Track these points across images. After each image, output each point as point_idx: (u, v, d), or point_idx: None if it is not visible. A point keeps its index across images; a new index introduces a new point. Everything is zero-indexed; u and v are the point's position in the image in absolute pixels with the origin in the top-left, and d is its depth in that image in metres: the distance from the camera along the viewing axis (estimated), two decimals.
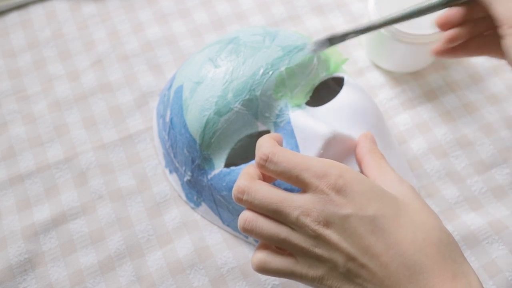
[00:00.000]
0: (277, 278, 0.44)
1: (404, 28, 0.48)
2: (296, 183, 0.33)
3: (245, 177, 0.34)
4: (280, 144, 0.37)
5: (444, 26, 0.40)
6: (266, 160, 0.33)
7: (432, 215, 0.33)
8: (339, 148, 0.40)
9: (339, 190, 0.31)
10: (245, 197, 0.33)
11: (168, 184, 0.48)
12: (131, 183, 0.48)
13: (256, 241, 0.45)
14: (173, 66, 0.55)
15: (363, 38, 0.55)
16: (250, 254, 0.45)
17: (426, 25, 0.52)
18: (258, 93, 0.41)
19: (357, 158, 0.39)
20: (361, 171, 0.38)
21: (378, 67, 0.55)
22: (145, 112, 0.52)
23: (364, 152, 0.38)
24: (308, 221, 0.31)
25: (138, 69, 0.55)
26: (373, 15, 0.49)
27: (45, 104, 0.53)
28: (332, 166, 0.32)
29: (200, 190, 0.45)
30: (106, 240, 0.46)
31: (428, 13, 0.40)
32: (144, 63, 0.55)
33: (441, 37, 0.45)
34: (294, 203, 0.32)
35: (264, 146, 0.34)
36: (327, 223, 0.31)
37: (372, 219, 0.31)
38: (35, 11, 0.58)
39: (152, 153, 0.50)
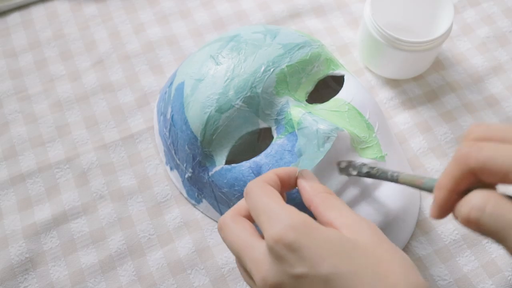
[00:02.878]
0: None
1: (403, 36, 0.47)
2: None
3: (231, 212, 0.33)
4: (278, 185, 0.34)
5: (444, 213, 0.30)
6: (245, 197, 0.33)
7: (398, 263, 0.29)
8: (339, 146, 0.40)
9: (290, 246, 0.28)
10: (220, 233, 0.33)
11: (169, 184, 0.48)
12: (132, 182, 0.49)
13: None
14: (174, 66, 0.55)
15: (361, 47, 0.54)
16: None
17: (423, 32, 0.52)
18: (259, 91, 0.41)
19: (306, 205, 0.34)
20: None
21: None
22: (146, 112, 0.52)
23: (309, 197, 0.33)
24: (258, 278, 0.29)
25: (139, 69, 0.55)
26: (368, 21, 0.49)
27: (47, 104, 0.53)
28: (288, 218, 0.29)
29: (201, 187, 0.45)
30: (107, 239, 0.46)
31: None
32: (145, 63, 0.55)
33: (439, 42, 0.45)
34: (252, 254, 0.30)
35: (251, 193, 0.32)
36: (276, 285, 0.29)
37: (326, 280, 0.27)
38: (37, 11, 0.58)
39: (153, 152, 0.50)
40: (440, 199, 0.28)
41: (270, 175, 0.34)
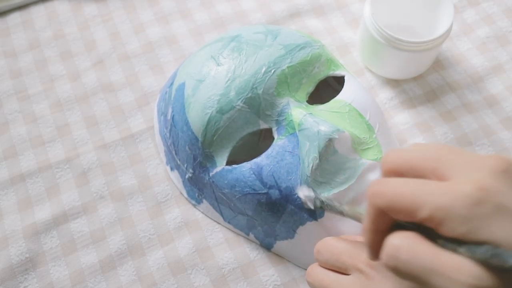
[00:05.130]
0: (278, 279, 0.44)
1: (403, 36, 0.47)
2: (340, 268, 0.34)
3: (313, 265, 0.36)
4: None
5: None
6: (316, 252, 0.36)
7: None
8: (340, 148, 0.40)
9: (372, 266, 0.32)
10: (308, 279, 0.36)
11: (169, 184, 0.48)
12: (133, 182, 0.49)
13: (257, 239, 0.45)
14: (174, 66, 0.55)
15: (361, 47, 0.54)
16: (251, 254, 0.45)
17: (423, 32, 0.52)
18: (260, 91, 0.41)
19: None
20: None
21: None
22: (147, 112, 0.52)
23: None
24: None
25: (139, 69, 0.55)
26: (368, 21, 0.49)
27: (47, 104, 0.53)
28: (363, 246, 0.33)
29: (201, 187, 0.45)
30: (107, 239, 0.46)
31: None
32: (145, 63, 0.55)
33: (439, 42, 0.45)
34: (340, 284, 0.33)
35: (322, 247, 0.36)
36: None
37: None
38: (37, 11, 0.58)
39: (153, 152, 0.50)
40: (367, 241, 0.28)
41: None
